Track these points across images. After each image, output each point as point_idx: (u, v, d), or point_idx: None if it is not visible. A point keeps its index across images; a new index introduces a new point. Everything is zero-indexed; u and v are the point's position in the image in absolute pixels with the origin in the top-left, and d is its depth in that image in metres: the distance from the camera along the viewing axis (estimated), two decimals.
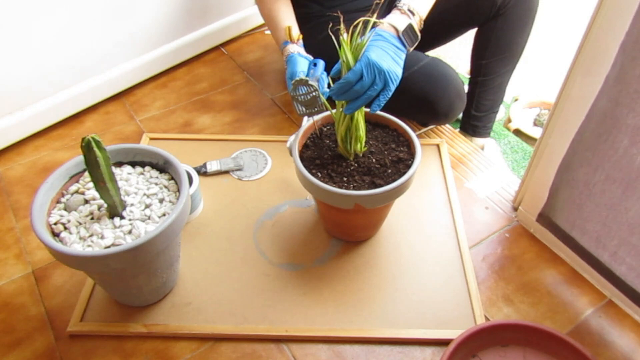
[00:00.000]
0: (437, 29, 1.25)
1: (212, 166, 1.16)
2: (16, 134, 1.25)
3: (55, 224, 0.80)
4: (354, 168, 0.92)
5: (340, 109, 0.88)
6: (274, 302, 0.92)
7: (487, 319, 0.91)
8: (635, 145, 0.75)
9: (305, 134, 0.97)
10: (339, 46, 0.83)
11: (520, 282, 0.97)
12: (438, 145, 1.23)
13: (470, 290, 0.94)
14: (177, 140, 1.25)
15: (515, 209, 1.10)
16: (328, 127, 1.00)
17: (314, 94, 0.96)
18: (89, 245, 0.77)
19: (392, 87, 0.88)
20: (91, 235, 0.79)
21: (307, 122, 0.99)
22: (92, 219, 0.81)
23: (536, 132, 1.50)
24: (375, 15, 0.83)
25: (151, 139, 1.26)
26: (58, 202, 0.83)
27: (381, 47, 0.88)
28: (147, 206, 0.84)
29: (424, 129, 1.29)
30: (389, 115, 0.98)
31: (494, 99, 1.30)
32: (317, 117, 0.98)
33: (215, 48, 1.59)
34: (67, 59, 1.25)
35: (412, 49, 0.95)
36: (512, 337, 0.85)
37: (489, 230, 1.06)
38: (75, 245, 0.77)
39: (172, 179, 0.88)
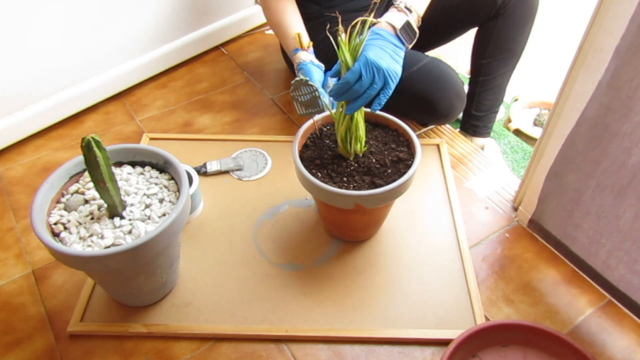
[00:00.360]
0: (437, 29, 1.25)
1: (212, 166, 1.16)
2: (16, 134, 1.25)
3: (55, 224, 0.80)
4: (354, 168, 0.92)
5: (341, 109, 0.88)
6: (274, 302, 0.92)
7: (487, 319, 0.91)
8: (626, 151, 0.74)
9: (305, 134, 0.97)
10: (337, 47, 0.83)
11: (520, 282, 0.97)
12: (438, 145, 1.23)
13: (470, 290, 0.94)
14: (177, 140, 1.25)
15: (515, 209, 1.10)
16: (328, 127, 1.00)
17: (314, 94, 0.97)
18: (89, 245, 0.77)
19: (392, 86, 0.88)
20: (91, 235, 0.79)
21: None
22: (92, 219, 0.81)
23: (536, 132, 1.50)
24: (372, 14, 0.83)
25: (151, 139, 1.26)
26: (58, 202, 0.84)
27: (379, 46, 0.88)
28: (147, 206, 0.84)
29: (424, 129, 1.29)
30: (389, 115, 0.98)
31: (494, 99, 1.30)
32: (317, 117, 0.98)
33: (215, 48, 1.59)
34: (67, 59, 1.25)
35: (410, 46, 0.95)
36: (512, 337, 0.85)
37: (489, 230, 1.06)
38: (75, 245, 0.77)
39: (172, 179, 0.88)
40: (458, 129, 1.35)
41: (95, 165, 0.75)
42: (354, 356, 0.86)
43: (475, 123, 1.33)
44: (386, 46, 0.88)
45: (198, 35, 1.51)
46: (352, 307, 0.91)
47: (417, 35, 0.95)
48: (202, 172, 1.15)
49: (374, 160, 0.93)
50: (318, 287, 0.94)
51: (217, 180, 1.14)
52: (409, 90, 1.11)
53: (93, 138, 0.74)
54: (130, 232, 0.79)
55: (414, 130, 1.19)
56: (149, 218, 0.81)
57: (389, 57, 0.88)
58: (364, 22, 0.82)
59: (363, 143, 0.92)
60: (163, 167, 0.89)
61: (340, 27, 0.80)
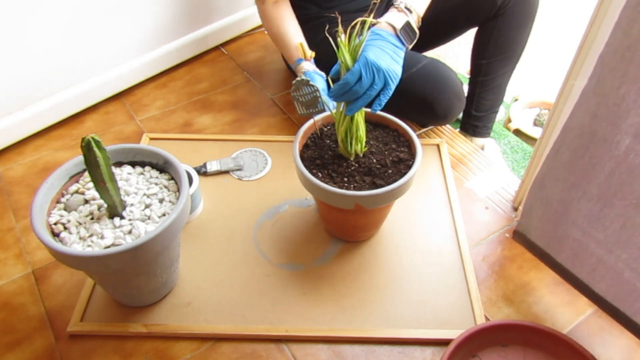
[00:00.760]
0: (437, 29, 1.25)
1: (212, 166, 1.16)
2: (16, 134, 1.25)
3: (55, 224, 0.80)
4: (355, 168, 0.92)
5: (341, 110, 0.88)
6: (274, 302, 0.92)
7: (487, 319, 0.91)
8: (613, 160, 0.73)
9: (306, 134, 0.97)
10: (337, 47, 0.83)
11: (520, 282, 0.97)
12: (438, 145, 1.23)
13: (470, 290, 0.94)
14: (177, 140, 1.25)
15: (515, 209, 1.10)
16: (328, 127, 1.00)
17: (314, 94, 0.97)
18: (89, 245, 0.77)
19: (393, 86, 0.88)
20: (91, 235, 0.79)
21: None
22: (92, 219, 0.81)
23: (536, 132, 1.50)
24: (372, 15, 0.82)
25: (151, 139, 1.26)
26: (58, 202, 0.83)
27: (379, 46, 0.88)
28: (147, 206, 0.84)
29: (424, 129, 1.29)
30: (390, 116, 0.98)
31: (494, 99, 1.30)
32: (317, 117, 0.98)
33: (215, 48, 1.59)
34: (67, 59, 1.25)
35: (410, 46, 0.95)
36: (512, 337, 0.85)
37: (489, 230, 1.06)
38: (75, 245, 0.77)
39: (172, 179, 0.88)
40: (458, 129, 1.35)
41: (95, 165, 0.75)
42: (354, 356, 0.86)
43: (475, 123, 1.33)
44: (386, 47, 0.88)
45: (198, 35, 1.51)
46: (352, 307, 0.91)
47: (417, 35, 0.95)
48: (202, 172, 1.15)
49: (374, 160, 0.93)
50: (318, 287, 0.94)
51: (217, 180, 1.14)
52: (408, 91, 1.11)
53: (93, 138, 0.74)
54: (130, 232, 0.79)
55: (414, 130, 1.19)
56: (149, 218, 0.81)
57: (389, 58, 0.88)
58: (363, 23, 0.82)
59: (363, 143, 0.92)
60: (163, 167, 0.89)
61: (340, 28, 0.80)
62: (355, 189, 0.88)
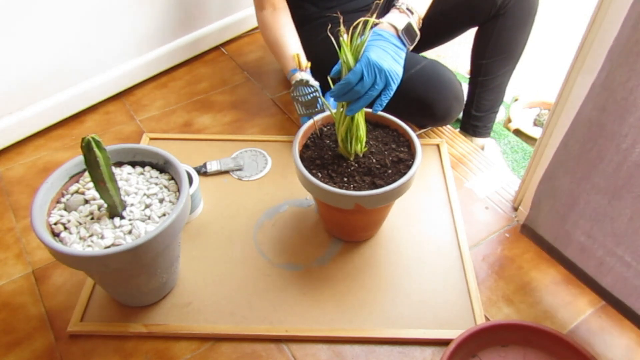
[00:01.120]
0: (437, 29, 1.25)
1: (212, 166, 1.16)
2: (16, 134, 1.25)
3: (55, 224, 0.80)
4: (354, 168, 0.92)
5: (341, 110, 0.88)
6: (274, 302, 0.92)
7: (487, 319, 0.91)
8: (621, 153, 0.74)
9: (306, 134, 0.97)
10: (339, 47, 0.83)
11: (520, 282, 0.97)
12: (438, 146, 1.23)
13: (470, 290, 0.94)
14: (177, 140, 1.25)
15: (515, 209, 1.10)
16: (328, 127, 1.00)
17: (314, 94, 0.97)
18: (89, 245, 0.77)
19: (394, 86, 0.88)
20: (91, 235, 0.79)
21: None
22: (92, 219, 0.81)
23: (536, 132, 1.50)
24: (374, 15, 0.83)
25: (151, 139, 1.26)
26: (58, 202, 0.83)
27: (381, 47, 0.88)
28: (147, 206, 0.84)
29: (422, 130, 1.29)
30: (390, 116, 0.98)
31: (494, 99, 1.30)
32: (317, 117, 0.98)
33: (215, 48, 1.59)
34: (67, 58, 1.25)
35: (411, 47, 0.95)
36: (512, 337, 0.85)
37: (489, 230, 1.06)
38: (75, 245, 0.77)
39: (172, 179, 0.88)
40: (458, 129, 1.35)
41: (95, 165, 0.75)
42: (354, 356, 0.86)
43: (475, 123, 1.33)
44: (388, 47, 0.88)
45: (198, 35, 1.51)
46: (352, 307, 0.91)
47: (418, 36, 0.95)
48: (202, 172, 1.15)
49: (374, 160, 0.93)
50: (318, 287, 0.94)
51: (217, 180, 1.14)
52: (406, 92, 1.11)
53: (93, 138, 0.74)
54: (130, 232, 0.79)
55: (414, 131, 1.19)
56: (149, 218, 0.81)
57: (390, 58, 0.88)
58: (365, 23, 0.82)
59: (363, 143, 0.92)
60: (163, 167, 0.89)
61: (342, 28, 0.80)
62: (355, 189, 0.88)
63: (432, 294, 0.93)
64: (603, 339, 0.89)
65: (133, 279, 0.83)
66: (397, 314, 0.90)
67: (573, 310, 0.93)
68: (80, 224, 0.80)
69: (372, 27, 0.86)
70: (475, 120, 1.32)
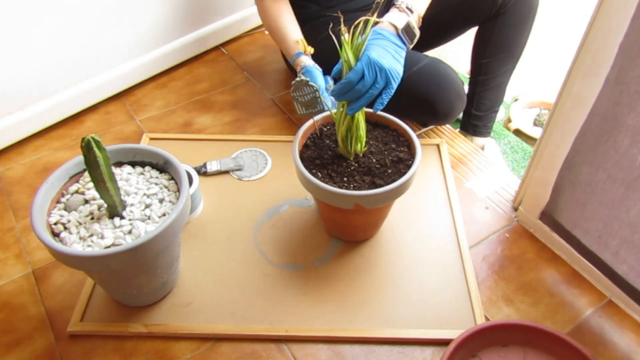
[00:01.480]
0: (437, 28, 1.25)
1: (212, 166, 1.16)
2: (16, 134, 1.25)
3: (55, 224, 0.80)
4: (354, 168, 0.92)
5: (342, 109, 0.88)
6: (274, 302, 0.92)
7: (487, 319, 0.91)
8: (635, 145, 0.76)
9: (306, 134, 0.97)
10: (340, 46, 0.83)
11: (520, 282, 0.97)
12: (438, 145, 1.23)
13: (470, 290, 0.94)
14: (177, 140, 1.25)
15: (515, 209, 1.10)
16: (328, 127, 1.00)
17: (314, 94, 0.97)
18: (89, 245, 0.77)
19: (394, 85, 0.88)
20: (91, 235, 0.79)
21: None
22: (92, 219, 0.81)
23: (536, 132, 1.50)
24: (375, 14, 0.83)
25: (151, 139, 1.26)
26: (58, 202, 0.83)
27: (381, 46, 0.88)
28: (147, 206, 0.84)
29: (424, 129, 1.29)
30: (390, 116, 0.98)
31: (494, 99, 1.30)
32: (317, 117, 0.98)
33: (215, 48, 1.59)
34: (67, 59, 1.25)
35: (411, 46, 0.95)
36: (512, 337, 0.85)
37: (489, 230, 1.06)
38: (75, 245, 0.77)
39: (172, 179, 0.88)
40: (458, 129, 1.35)
41: (95, 165, 0.75)
42: (354, 356, 0.86)
43: (475, 123, 1.33)
44: (388, 46, 0.88)
45: (198, 35, 1.51)
46: (352, 307, 0.91)
47: (418, 35, 0.95)
48: (202, 172, 1.15)
49: (374, 160, 0.93)
50: (318, 287, 0.94)
51: (217, 180, 1.14)
52: (408, 91, 1.11)
53: (93, 138, 0.74)
54: (130, 232, 0.79)
55: (414, 130, 1.19)
56: (149, 218, 0.81)
57: (391, 57, 0.88)
58: (365, 22, 0.82)
59: (363, 143, 0.92)
60: (163, 167, 0.89)
61: (343, 27, 0.80)
62: (355, 188, 0.88)
63: (432, 294, 0.93)
64: (603, 339, 0.89)
65: (133, 279, 0.83)
66: (397, 314, 0.90)
67: (573, 310, 0.93)
68: (80, 224, 0.80)
69: (372, 26, 0.86)
70: (476, 119, 1.32)
